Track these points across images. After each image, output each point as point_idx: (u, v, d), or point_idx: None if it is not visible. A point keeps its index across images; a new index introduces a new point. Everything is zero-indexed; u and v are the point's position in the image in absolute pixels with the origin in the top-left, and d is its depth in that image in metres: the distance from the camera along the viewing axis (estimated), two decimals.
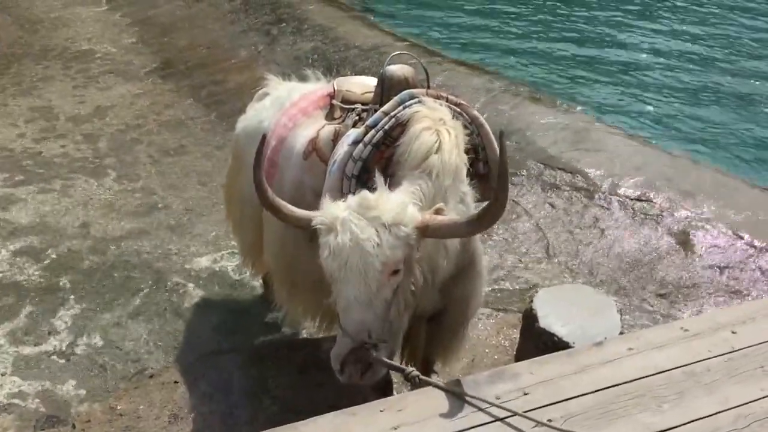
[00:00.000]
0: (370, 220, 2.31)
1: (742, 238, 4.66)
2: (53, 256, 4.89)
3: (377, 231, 2.30)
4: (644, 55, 8.83)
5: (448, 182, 2.54)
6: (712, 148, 6.67)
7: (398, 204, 2.37)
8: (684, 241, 4.72)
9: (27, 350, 4.06)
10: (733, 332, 2.72)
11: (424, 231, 2.38)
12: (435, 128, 2.58)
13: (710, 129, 7.05)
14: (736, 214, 4.88)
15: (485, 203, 2.89)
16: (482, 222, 2.39)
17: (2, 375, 3.88)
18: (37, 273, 4.72)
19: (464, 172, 2.71)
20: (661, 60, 8.68)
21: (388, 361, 2.46)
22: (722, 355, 2.60)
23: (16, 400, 3.72)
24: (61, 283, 4.62)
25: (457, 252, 2.73)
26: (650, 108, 7.51)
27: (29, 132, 6.74)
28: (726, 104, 7.57)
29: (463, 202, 2.69)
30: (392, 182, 2.52)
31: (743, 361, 2.58)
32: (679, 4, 10.47)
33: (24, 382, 3.84)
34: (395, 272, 2.36)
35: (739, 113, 7.39)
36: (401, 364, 2.87)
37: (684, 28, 9.63)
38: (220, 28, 9.17)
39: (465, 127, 2.80)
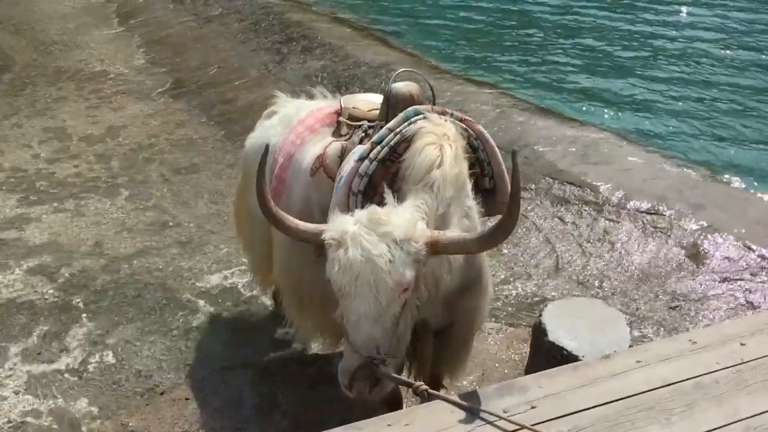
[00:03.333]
0: (381, 236, 2.32)
1: (752, 249, 4.64)
2: (66, 275, 4.94)
3: (389, 247, 2.31)
4: (652, 69, 8.83)
5: (450, 193, 2.56)
6: (722, 160, 6.65)
7: (408, 220, 2.38)
8: (694, 253, 4.71)
9: (40, 368, 4.09)
10: (741, 344, 2.71)
11: (435, 247, 2.38)
12: (439, 143, 2.60)
13: (719, 141, 7.03)
14: (746, 226, 4.87)
15: (490, 218, 2.93)
16: (493, 238, 2.40)
17: (16, 393, 3.91)
18: (50, 292, 4.76)
19: (468, 186, 2.73)
20: (670, 74, 8.67)
21: (397, 376, 2.47)
22: (731, 367, 2.59)
23: (29, 418, 3.74)
24: (73, 302, 4.66)
25: (461, 266, 2.74)
26: (659, 121, 7.50)
27: (43, 152, 6.83)
28: (735, 116, 7.55)
29: (468, 217, 2.70)
30: (398, 197, 2.54)
31: (752, 373, 2.57)
32: (688, 17, 10.48)
33: (37, 400, 3.86)
34: (405, 289, 2.37)
35: (749, 125, 7.37)
36: (409, 378, 2.88)
37: (693, 42, 9.63)
38: (231, 47, 9.28)
39: (470, 142, 2.82)
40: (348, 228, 2.37)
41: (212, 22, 10.11)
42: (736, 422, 2.35)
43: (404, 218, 2.38)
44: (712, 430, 2.32)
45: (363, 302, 2.32)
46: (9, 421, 3.72)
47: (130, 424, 3.66)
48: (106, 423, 3.71)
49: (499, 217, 2.64)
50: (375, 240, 2.31)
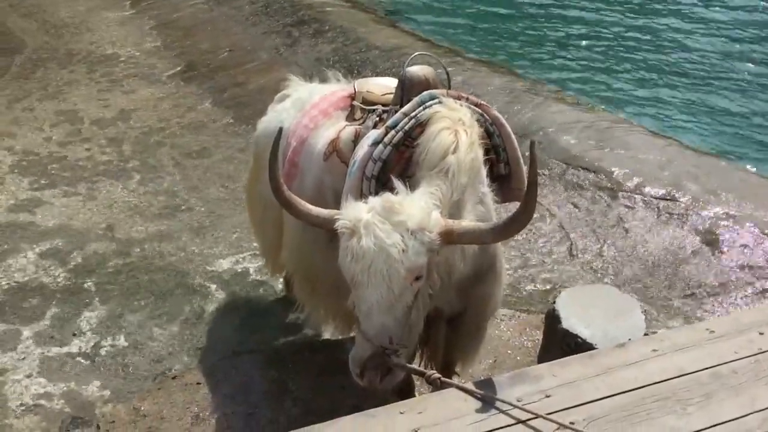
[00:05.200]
0: (394, 225, 2.29)
1: None
2: (78, 258, 4.95)
3: (402, 236, 2.28)
4: (668, 53, 8.73)
5: (464, 180, 2.52)
6: (739, 145, 6.58)
7: (422, 209, 2.35)
8: (710, 240, 4.65)
9: (52, 352, 4.10)
10: (760, 333, 2.68)
11: (449, 236, 2.36)
12: (454, 128, 2.56)
13: (736, 126, 6.95)
14: (763, 213, 4.80)
15: (505, 204, 2.90)
16: (508, 229, 2.38)
17: (28, 376, 3.92)
18: (62, 275, 4.77)
19: (483, 172, 2.69)
20: (686, 58, 8.57)
21: (409, 365, 2.46)
22: (749, 356, 2.56)
23: (41, 401, 3.76)
24: (85, 285, 4.67)
25: (475, 254, 2.71)
26: (675, 106, 7.42)
27: (55, 136, 6.82)
28: (753, 101, 7.46)
29: (482, 203, 2.67)
30: (411, 183, 2.51)
31: None
32: (707, 6, 10.33)
33: (49, 383, 3.88)
34: (418, 278, 2.35)
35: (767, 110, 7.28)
36: (421, 367, 2.86)
37: (711, 25, 9.50)
38: (242, 30, 9.23)
39: (486, 128, 2.78)
40: (361, 216, 2.34)
41: (223, 4, 10.05)
42: (754, 413, 2.32)
43: (418, 207, 2.35)
44: (730, 420, 2.30)
45: (375, 292, 2.30)
46: (22, 404, 3.74)
47: (142, 408, 3.67)
48: (118, 406, 3.72)
49: (514, 204, 2.61)
50: (389, 229, 2.28)
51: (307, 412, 3.52)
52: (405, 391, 3.00)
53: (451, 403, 2.33)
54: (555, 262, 4.72)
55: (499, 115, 2.86)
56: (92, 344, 4.17)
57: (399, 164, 2.66)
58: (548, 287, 4.50)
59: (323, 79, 3.89)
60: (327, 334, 4.13)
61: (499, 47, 8.91)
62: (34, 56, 8.88)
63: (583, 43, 9.05)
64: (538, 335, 3.94)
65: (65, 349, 4.13)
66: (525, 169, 2.83)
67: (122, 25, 9.85)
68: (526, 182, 2.57)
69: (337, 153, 3.09)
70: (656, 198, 5.06)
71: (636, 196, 5.11)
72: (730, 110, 7.29)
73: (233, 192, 5.73)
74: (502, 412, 2.28)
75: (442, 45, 8.41)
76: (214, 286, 4.65)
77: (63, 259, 4.93)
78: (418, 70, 2.94)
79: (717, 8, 10.08)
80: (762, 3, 10.02)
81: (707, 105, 7.42)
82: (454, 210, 2.50)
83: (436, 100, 2.71)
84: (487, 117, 2.80)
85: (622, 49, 8.90)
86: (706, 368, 2.50)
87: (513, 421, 2.25)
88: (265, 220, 3.94)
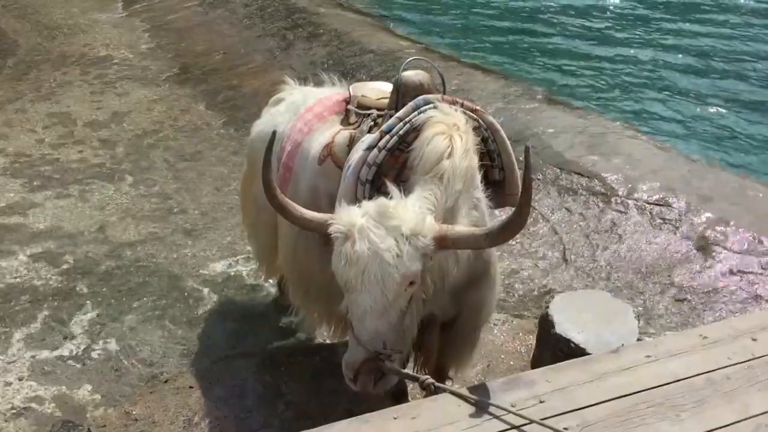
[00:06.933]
0: (389, 230, 2.29)
1: (762, 242, 4.60)
2: (70, 261, 4.92)
3: (397, 241, 2.28)
4: (662, 58, 8.76)
5: (459, 186, 2.52)
6: (732, 151, 6.59)
7: (417, 213, 2.35)
8: (703, 245, 4.66)
9: (43, 355, 4.07)
10: (753, 339, 2.68)
11: (443, 242, 2.36)
12: (449, 133, 2.56)
13: (729, 132, 6.97)
14: (756, 218, 4.82)
15: (499, 210, 2.90)
16: (503, 235, 2.37)
17: (19, 380, 3.89)
18: (54, 278, 4.74)
19: (477, 177, 2.69)
20: (679, 63, 8.60)
21: (402, 370, 2.45)
22: (742, 362, 2.56)
23: (32, 405, 3.73)
24: (77, 288, 4.64)
25: (469, 259, 2.71)
26: (668, 111, 7.44)
27: (47, 138, 6.80)
28: (745, 107, 7.49)
29: (476, 209, 2.67)
30: (405, 187, 2.51)
31: (764, 368, 2.54)
32: (698, 7, 10.37)
33: (40, 387, 3.85)
34: (412, 283, 2.35)
35: (759, 116, 7.31)
36: (414, 371, 2.86)
37: (703, 31, 9.55)
38: (237, 33, 9.22)
39: (481, 133, 2.79)
40: (355, 220, 2.34)
41: (217, 7, 10.05)
42: (747, 419, 2.32)
43: (412, 211, 2.36)
44: (723, 426, 2.30)
45: (369, 296, 2.30)
46: (12, 408, 3.71)
47: (134, 412, 3.65)
48: (109, 410, 3.69)
49: (508, 209, 2.61)
50: (383, 234, 2.28)
51: (300, 415, 3.51)
52: (397, 395, 2.99)
53: (445, 408, 2.32)
54: (548, 267, 4.72)
55: (494, 121, 2.87)
56: (84, 347, 4.14)
57: (393, 169, 2.66)
58: (542, 292, 4.50)
59: (318, 83, 3.88)
60: (321, 338, 4.12)
61: (493, 52, 8.92)
62: (27, 58, 8.85)
63: (578, 48, 9.08)
64: (531, 340, 3.95)
65: (56, 353, 4.09)
66: (519, 174, 2.83)
67: (116, 27, 9.84)
68: (520, 188, 2.57)
69: (332, 157, 3.09)
70: (649, 203, 5.06)
71: (629, 201, 5.12)
72: (724, 115, 7.31)
73: (226, 195, 5.72)
74: (496, 417, 2.27)
75: (437, 49, 8.42)
76: (206, 290, 4.63)
77: (55, 262, 4.90)
78: (413, 75, 2.94)
79: (710, 14, 10.12)
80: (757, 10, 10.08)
81: (701, 110, 7.45)
82: (449, 215, 2.50)
83: (431, 105, 2.71)
84: (482, 122, 2.81)
85: (615, 54, 8.92)
86: (700, 374, 2.50)
87: (507, 427, 2.24)
88: (258, 223, 3.93)
